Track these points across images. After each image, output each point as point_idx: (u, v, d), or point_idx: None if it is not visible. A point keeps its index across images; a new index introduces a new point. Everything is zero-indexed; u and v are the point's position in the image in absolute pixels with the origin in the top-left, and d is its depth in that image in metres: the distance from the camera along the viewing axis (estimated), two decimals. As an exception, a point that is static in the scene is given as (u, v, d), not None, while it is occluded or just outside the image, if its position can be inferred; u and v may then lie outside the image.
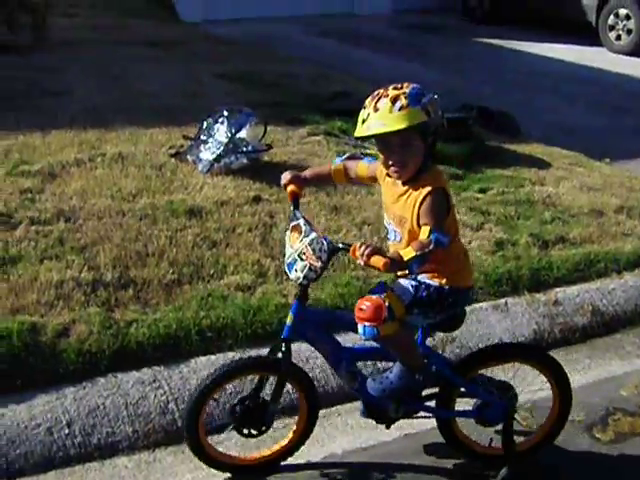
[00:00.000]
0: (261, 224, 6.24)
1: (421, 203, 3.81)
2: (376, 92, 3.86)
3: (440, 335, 5.26)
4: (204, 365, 4.84)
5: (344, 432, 4.71)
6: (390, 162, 3.90)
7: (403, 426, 4.53)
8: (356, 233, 6.24)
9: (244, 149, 7.36)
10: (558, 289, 6.03)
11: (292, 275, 4.06)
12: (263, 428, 4.29)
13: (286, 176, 4.27)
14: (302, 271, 3.99)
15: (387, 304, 3.85)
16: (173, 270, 5.58)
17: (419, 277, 4.01)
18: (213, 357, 4.94)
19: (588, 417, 4.88)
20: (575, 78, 12.94)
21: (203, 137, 7.48)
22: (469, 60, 13.84)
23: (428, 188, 3.82)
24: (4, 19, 11.60)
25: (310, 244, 3.95)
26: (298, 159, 7.59)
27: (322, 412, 4.81)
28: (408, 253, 3.64)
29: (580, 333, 5.82)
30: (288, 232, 4.13)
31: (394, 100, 3.76)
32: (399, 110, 3.74)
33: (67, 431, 4.45)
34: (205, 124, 7.60)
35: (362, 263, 3.61)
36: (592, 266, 6.32)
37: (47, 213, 6.22)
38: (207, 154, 7.29)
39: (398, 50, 14.16)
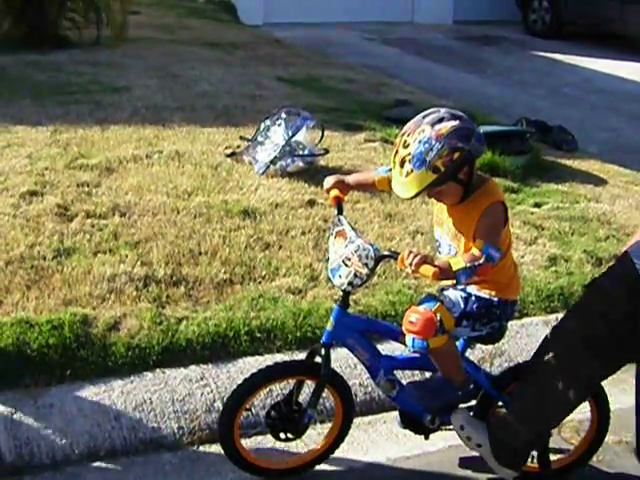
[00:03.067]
0: (314, 228, 6.24)
1: (480, 217, 3.78)
2: (398, 138, 3.80)
3: (489, 348, 5.23)
4: (252, 365, 4.81)
5: (389, 440, 4.68)
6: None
7: (448, 437, 4.49)
8: (409, 241, 6.21)
9: (300, 152, 7.38)
10: (610, 308, 5.95)
11: (336, 281, 4.01)
12: (299, 433, 4.25)
13: (329, 181, 4.21)
14: (347, 277, 3.94)
15: (438, 317, 3.82)
16: (225, 270, 5.60)
17: (468, 288, 3.99)
18: (261, 358, 4.92)
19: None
20: (636, 97, 12.78)
21: (260, 138, 7.51)
22: (528, 73, 13.74)
23: (486, 202, 3.81)
24: (67, 15, 11.80)
25: (356, 250, 3.90)
26: (354, 165, 7.58)
27: (367, 419, 4.82)
28: (457, 263, 3.62)
29: (630, 353, 5.74)
30: (332, 237, 4.09)
31: (402, 163, 3.72)
32: (406, 176, 3.71)
33: (113, 424, 4.47)
34: (263, 126, 7.63)
35: (410, 272, 3.60)
36: (645, 286, 6.23)
37: (103, 207, 6.29)
38: (263, 155, 7.32)
39: (457, 61, 14.13)
